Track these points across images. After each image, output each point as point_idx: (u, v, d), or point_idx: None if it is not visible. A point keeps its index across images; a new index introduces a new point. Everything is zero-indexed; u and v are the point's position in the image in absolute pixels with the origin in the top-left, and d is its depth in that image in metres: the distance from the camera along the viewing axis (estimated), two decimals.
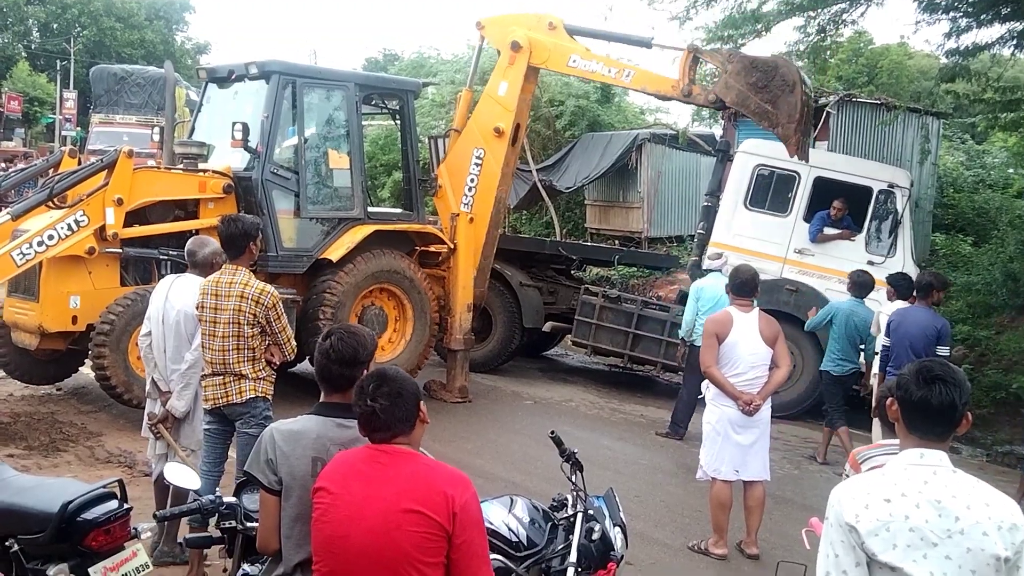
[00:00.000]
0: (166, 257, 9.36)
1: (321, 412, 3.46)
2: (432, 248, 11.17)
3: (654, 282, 15.38)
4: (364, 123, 11.71)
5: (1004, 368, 11.81)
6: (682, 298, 12.43)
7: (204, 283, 5.55)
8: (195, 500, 4.13)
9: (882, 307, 9.35)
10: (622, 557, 4.38)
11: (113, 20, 55.12)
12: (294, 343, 5.76)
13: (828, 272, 11.39)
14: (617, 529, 4.39)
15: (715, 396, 6.84)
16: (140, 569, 4.47)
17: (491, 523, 3.98)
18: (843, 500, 2.75)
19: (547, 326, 14.08)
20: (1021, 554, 2.64)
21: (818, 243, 11.50)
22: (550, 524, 4.30)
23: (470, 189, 11.27)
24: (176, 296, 5.88)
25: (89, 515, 4.28)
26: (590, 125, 18.80)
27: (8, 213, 9.12)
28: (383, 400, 3.07)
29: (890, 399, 2.90)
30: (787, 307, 11.07)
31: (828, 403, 9.79)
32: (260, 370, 5.56)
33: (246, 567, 3.87)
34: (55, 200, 8.85)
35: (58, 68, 52.74)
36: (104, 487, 4.48)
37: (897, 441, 2.93)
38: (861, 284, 9.65)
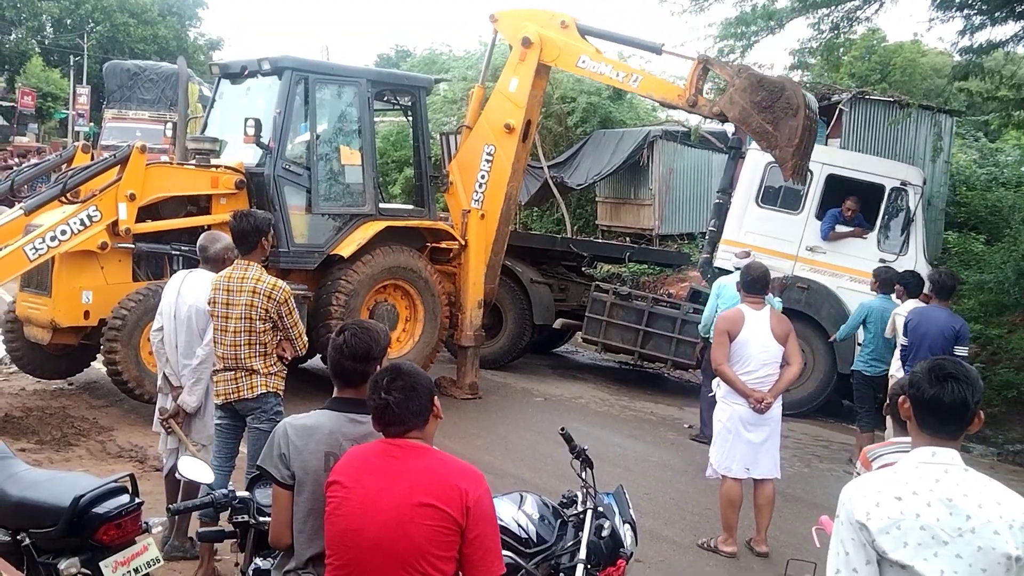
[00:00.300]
0: (178, 252, 9.38)
1: (334, 407, 3.47)
2: (443, 244, 11.18)
3: (665, 279, 15.39)
4: (376, 119, 11.72)
5: (1016, 367, 11.77)
6: (693, 295, 12.43)
7: (216, 278, 5.56)
8: (208, 494, 4.15)
9: (898, 306, 9.24)
10: (631, 554, 4.38)
11: (126, 16, 55.28)
12: (305, 339, 5.76)
13: (840, 270, 11.35)
14: (627, 526, 4.39)
15: (726, 394, 6.83)
16: (151, 563, 4.50)
17: (501, 519, 3.97)
18: (854, 498, 2.74)
19: (557, 323, 14.09)
20: None
21: (830, 241, 11.46)
22: (560, 521, 4.30)
23: (481, 185, 11.26)
24: (188, 291, 5.90)
25: (100, 509, 4.31)
26: (602, 122, 18.78)
27: (21, 208, 9.18)
28: (397, 394, 3.07)
29: (902, 397, 2.89)
30: (798, 305, 11.04)
31: (858, 404, 9.59)
32: (271, 365, 5.57)
33: (258, 561, 3.88)
34: (68, 195, 8.87)
35: (71, 64, 52.92)
36: (115, 482, 4.50)
37: (909, 439, 2.92)
38: (886, 280, 9.47)
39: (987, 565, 2.60)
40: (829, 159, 11.70)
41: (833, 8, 12.90)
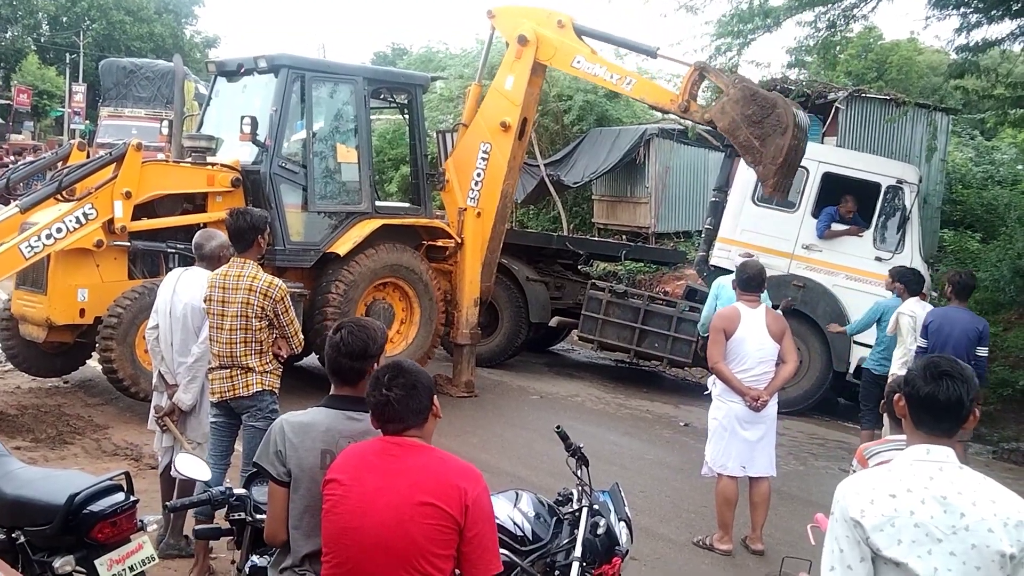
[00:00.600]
0: (174, 250, 9.37)
1: (331, 405, 3.47)
2: (439, 243, 11.18)
3: (661, 277, 15.38)
4: (372, 117, 11.71)
5: (1011, 365, 11.79)
6: (689, 293, 12.44)
7: (212, 276, 5.56)
8: (205, 491, 4.15)
9: (915, 308, 9.06)
10: (627, 552, 4.38)
11: (122, 14, 55.11)
12: (301, 336, 5.77)
13: (836, 268, 11.37)
14: (622, 524, 4.39)
15: (722, 392, 6.84)
16: (146, 561, 4.49)
17: (497, 517, 3.96)
18: (848, 495, 2.74)
19: (553, 321, 14.09)
20: None
21: (826, 239, 11.47)
22: (555, 519, 4.30)
23: (477, 183, 11.26)
24: (183, 289, 5.90)
25: (95, 507, 4.30)
26: (598, 120, 18.76)
27: (17, 206, 9.16)
28: (398, 391, 3.08)
29: (897, 395, 2.89)
30: (794, 303, 11.04)
31: (864, 402, 9.57)
32: (267, 363, 5.57)
33: (255, 559, 3.89)
34: (64, 193, 8.85)
35: (67, 61, 52.78)
36: (111, 479, 4.50)
37: (904, 437, 2.92)
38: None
39: (981, 563, 2.60)
40: (825, 157, 11.71)
41: (830, 6, 12.90)
